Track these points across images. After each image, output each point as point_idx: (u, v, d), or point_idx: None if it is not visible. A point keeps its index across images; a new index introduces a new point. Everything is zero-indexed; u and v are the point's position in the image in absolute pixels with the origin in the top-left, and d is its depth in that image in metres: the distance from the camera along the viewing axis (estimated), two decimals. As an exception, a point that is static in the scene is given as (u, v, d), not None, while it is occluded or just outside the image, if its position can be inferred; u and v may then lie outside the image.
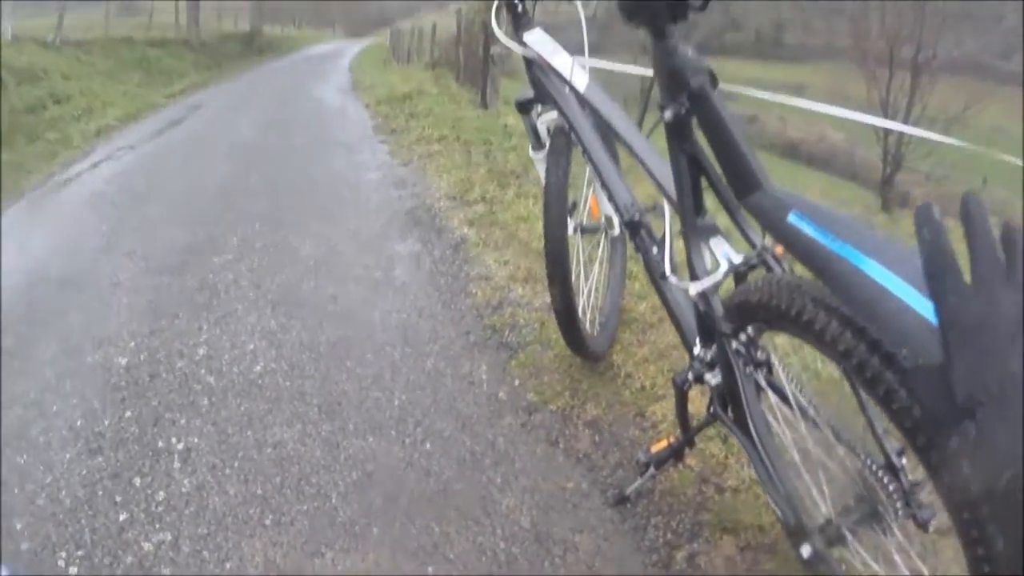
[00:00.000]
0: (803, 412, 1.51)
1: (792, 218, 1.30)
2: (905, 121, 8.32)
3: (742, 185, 1.53)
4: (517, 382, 2.96)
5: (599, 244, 2.97)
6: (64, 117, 11.75)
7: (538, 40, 2.41)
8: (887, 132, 8.44)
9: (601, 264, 2.98)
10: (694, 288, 1.75)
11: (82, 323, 3.79)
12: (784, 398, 1.56)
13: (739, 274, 1.69)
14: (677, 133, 1.69)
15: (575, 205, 2.76)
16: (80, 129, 10.92)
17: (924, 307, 0.96)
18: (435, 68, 17.06)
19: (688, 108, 1.62)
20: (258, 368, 3.15)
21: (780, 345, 1.75)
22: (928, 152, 8.74)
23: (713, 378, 1.81)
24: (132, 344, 3.46)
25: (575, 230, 2.74)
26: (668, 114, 1.66)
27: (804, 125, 42.04)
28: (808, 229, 1.25)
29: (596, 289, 2.97)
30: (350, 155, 7.67)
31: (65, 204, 6.71)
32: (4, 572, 1.76)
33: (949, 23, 8.88)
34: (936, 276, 0.90)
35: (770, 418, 1.66)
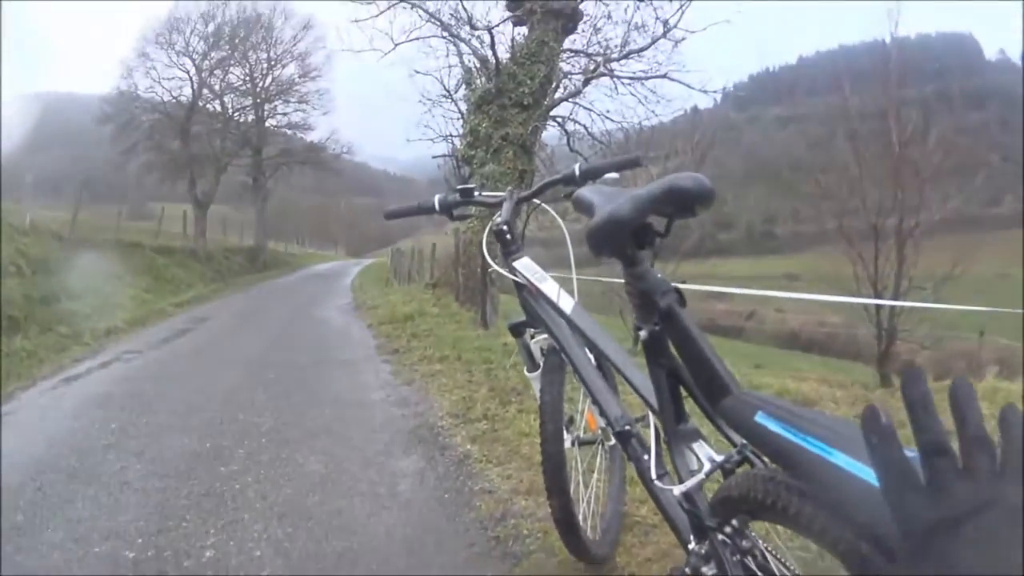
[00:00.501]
0: None
1: (759, 418, 1.39)
2: (895, 291, 8.47)
3: (713, 392, 1.69)
4: (523, 590, 2.97)
5: (597, 454, 3.05)
6: (76, 313, 11.82)
7: (526, 267, 2.56)
8: (877, 308, 8.61)
9: (600, 473, 3.05)
10: (678, 489, 1.84)
11: (90, 514, 3.80)
12: None
13: (726, 471, 1.76)
14: (653, 350, 1.86)
15: (572, 419, 2.88)
16: (91, 327, 11.02)
17: None
18: (435, 288, 17.64)
19: (660, 327, 1.80)
20: (265, 573, 3.14)
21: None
22: (920, 319, 8.91)
23: (709, 570, 1.83)
24: (140, 540, 3.46)
25: (573, 443, 2.85)
26: (643, 333, 1.85)
27: (802, 313, 42.59)
28: (774, 427, 1.34)
29: (596, 496, 3.03)
30: (354, 375, 7.86)
31: (76, 398, 6.76)
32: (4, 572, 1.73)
33: (931, 183, 9.20)
34: (891, 484, 0.84)
35: None
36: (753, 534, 1.69)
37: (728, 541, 1.70)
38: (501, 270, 2.66)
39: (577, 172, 2.59)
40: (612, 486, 3.26)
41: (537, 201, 2.97)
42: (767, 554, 1.66)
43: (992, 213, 71.54)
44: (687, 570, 1.88)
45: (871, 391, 7.53)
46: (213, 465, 4.67)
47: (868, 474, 1.07)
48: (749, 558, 1.68)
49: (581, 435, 2.91)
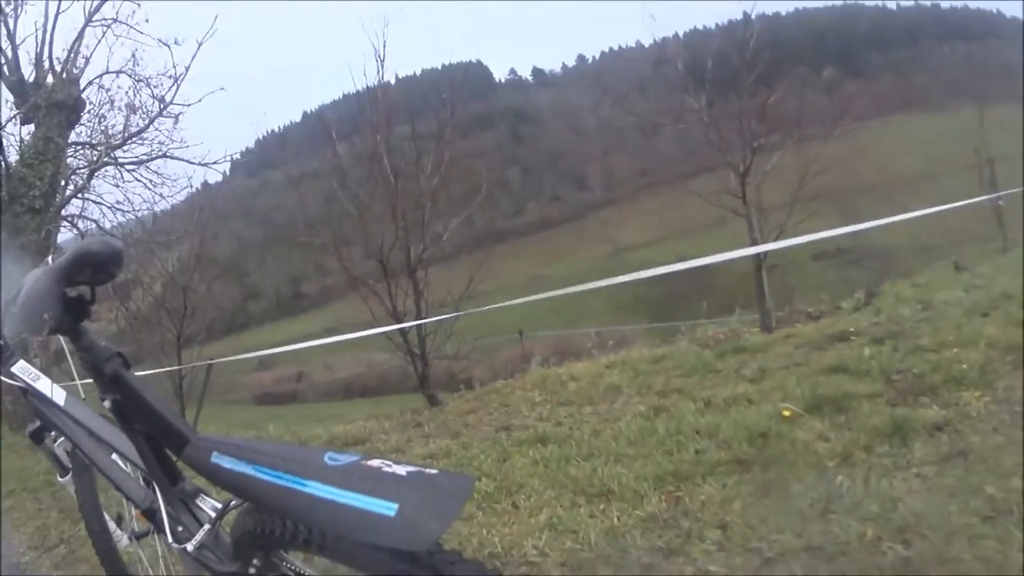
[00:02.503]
0: None
1: (214, 458, 1.52)
2: (418, 318, 8.87)
3: (174, 443, 1.73)
4: None
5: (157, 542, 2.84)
6: None
7: (22, 369, 2.44)
8: (404, 336, 8.94)
9: (168, 560, 2.86)
10: (190, 545, 1.82)
11: None
12: None
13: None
14: (122, 416, 1.85)
15: (121, 517, 2.73)
16: None
17: (375, 505, 1.21)
18: None
19: (117, 393, 1.79)
20: None
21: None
22: (448, 334, 9.44)
23: None
24: None
25: (130, 538, 2.69)
26: (108, 403, 1.83)
27: (351, 361, 43.75)
28: (228, 464, 1.48)
29: None
30: None
31: None
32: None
33: (435, 209, 9.70)
34: None
35: None
36: (285, 565, 1.72)
37: None
38: (3, 378, 2.46)
39: None
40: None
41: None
42: None
43: (516, 223, 78.67)
44: None
45: (420, 414, 7.81)
46: None
47: (314, 487, 1.31)
48: None
49: (136, 529, 2.70)
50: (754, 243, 14.41)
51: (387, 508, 1.20)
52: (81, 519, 5.18)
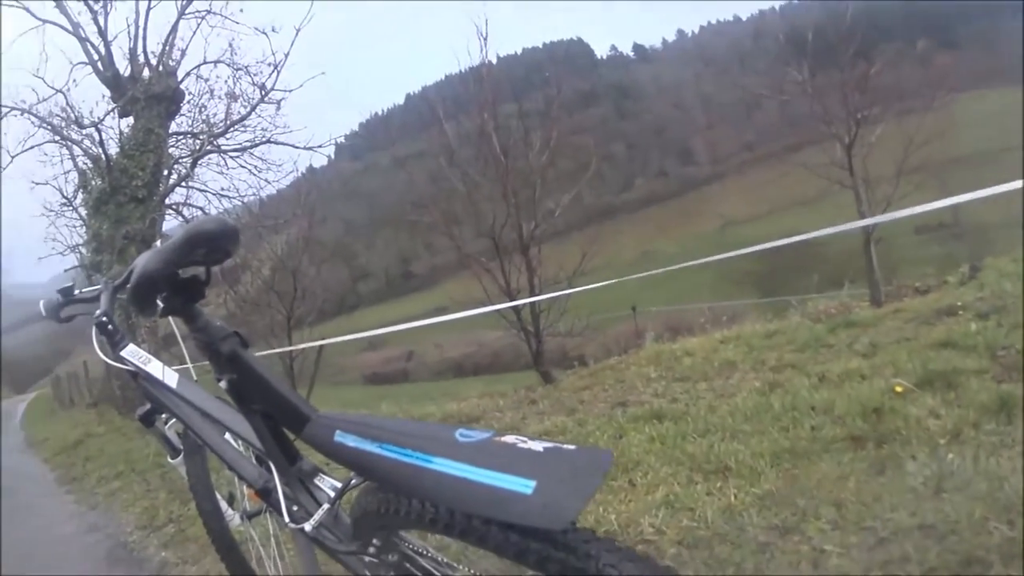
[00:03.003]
0: None
1: (338, 437, 1.50)
2: (531, 293, 8.85)
3: (294, 422, 1.73)
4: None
5: (268, 523, 2.88)
6: None
7: (132, 352, 2.42)
8: (518, 314, 8.90)
9: (280, 540, 2.90)
10: (308, 525, 1.81)
11: None
12: None
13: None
14: (239, 397, 1.85)
15: (233, 496, 2.76)
16: None
17: (511, 482, 1.19)
18: (96, 406, 17.43)
19: (234, 373, 1.79)
20: None
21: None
22: (561, 311, 9.35)
23: None
24: None
25: (242, 518, 2.69)
26: (224, 383, 1.82)
27: (461, 341, 44.12)
28: (352, 442, 1.47)
29: (290, 563, 2.89)
30: (41, 514, 7.45)
31: None
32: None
33: (545, 186, 9.63)
34: None
35: None
36: (406, 545, 1.71)
37: (377, 560, 1.72)
38: (111, 361, 2.43)
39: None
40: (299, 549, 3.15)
41: None
42: (421, 559, 1.69)
43: (625, 199, 78.51)
44: None
45: (534, 391, 7.83)
46: None
47: (446, 465, 1.29)
48: (411, 568, 1.70)
49: (248, 508, 2.73)
50: (862, 216, 14.09)
51: (523, 486, 1.18)
52: (190, 499, 5.40)
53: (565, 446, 1.29)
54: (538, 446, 1.28)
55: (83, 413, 18.15)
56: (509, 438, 1.34)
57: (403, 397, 14.62)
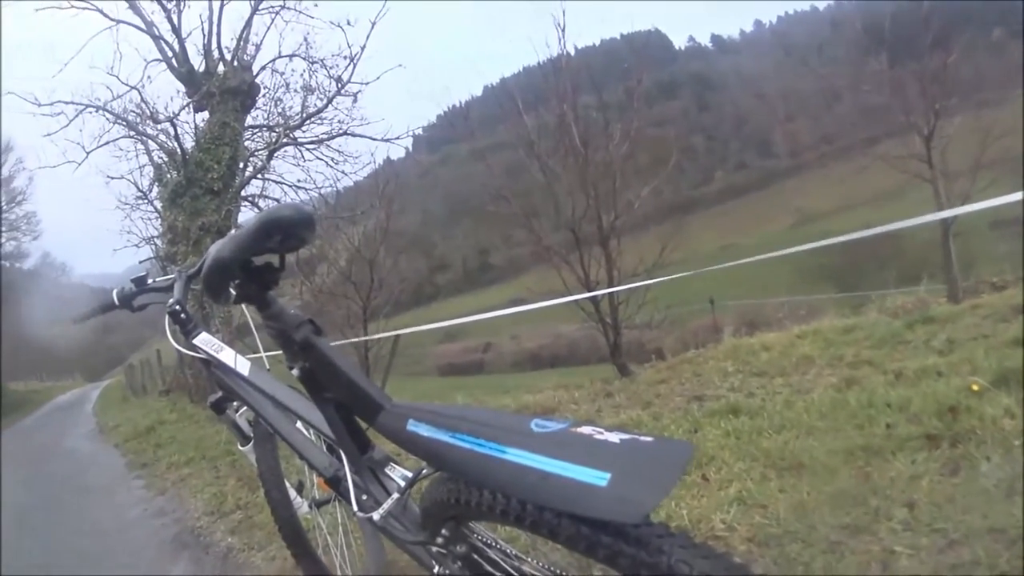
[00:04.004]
0: None
1: (411, 426, 1.51)
2: (609, 285, 8.82)
3: (367, 411, 1.73)
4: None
5: (337, 511, 3.00)
6: None
7: (205, 341, 2.48)
8: (596, 305, 8.89)
9: (347, 529, 3.00)
10: (377, 514, 1.84)
11: None
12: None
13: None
14: (311, 384, 1.87)
15: (302, 484, 2.84)
16: None
17: (585, 474, 1.17)
18: (168, 394, 18.14)
19: (310, 362, 1.80)
20: None
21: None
22: (640, 304, 9.30)
23: None
24: None
25: (310, 506, 2.78)
26: (296, 371, 1.85)
27: (536, 333, 44.01)
28: (426, 432, 1.47)
29: (356, 552, 3.00)
30: (110, 497, 7.66)
31: None
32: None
33: (626, 178, 9.53)
34: None
35: None
36: (475, 536, 1.72)
37: (445, 550, 1.73)
38: (185, 350, 2.55)
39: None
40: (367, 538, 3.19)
41: None
42: (489, 550, 1.69)
43: (704, 192, 77.76)
44: None
45: (610, 383, 7.84)
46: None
47: (521, 456, 1.28)
48: (479, 559, 1.71)
49: (317, 496, 2.82)
50: (940, 208, 13.81)
51: (598, 478, 1.16)
52: (259, 487, 5.56)
53: (643, 437, 1.28)
54: (615, 437, 1.27)
55: (155, 400, 18.78)
56: (585, 428, 1.32)
57: (478, 388, 14.72)
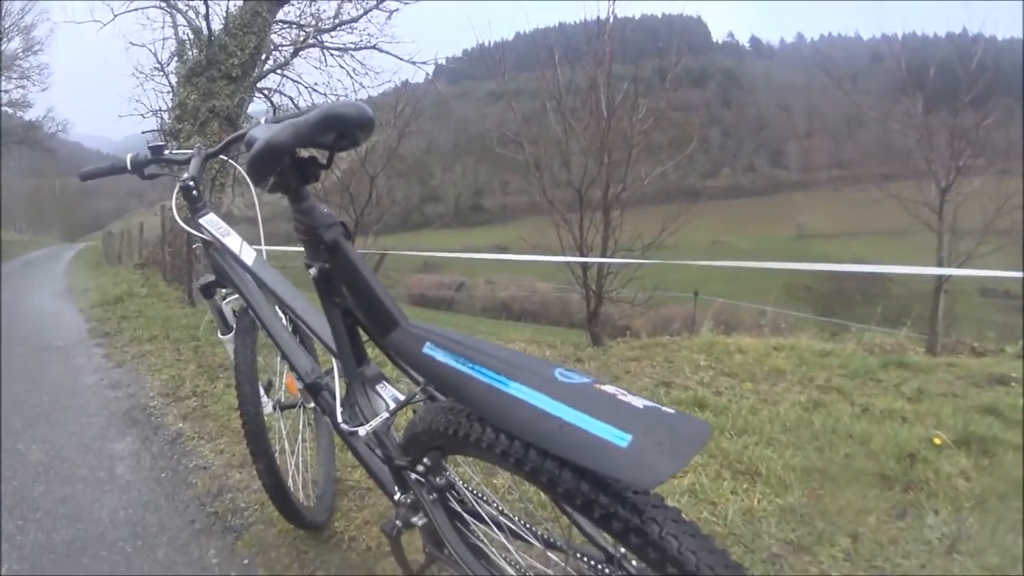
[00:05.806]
0: (499, 526, 1.65)
1: (427, 349, 1.48)
2: (603, 255, 8.79)
3: (380, 326, 1.70)
4: (246, 561, 2.96)
5: (299, 418, 3.03)
6: None
7: (211, 222, 2.47)
8: (584, 271, 8.90)
9: (305, 437, 3.04)
10: (363, 430, 1.82)
11: None
12: (479, 517, 1.70)
13: (414, 410, 1.78)
14: (325, 287, 1.83)
15: (271, 384, 2.82)
16: None
17: (607, 432, 1.17)
18: (144, 268, 18.06)
19: (330, 264, 1.77)
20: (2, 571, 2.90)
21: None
22: (628, 279, 9.30)
23: (419, 520, 1.83)
24: None
25: (274, 407, 2.78)
26: (314, 271, 1.80)
27: (513, 283, 44.10)
28: (442, 357, 1.44)
29: (307, 462, 3.04)
30: (68, 359, 7.62)
31: None
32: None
33: (642, 154, 9.51)
34: None
35: (477, 538, 1.75)
36: (450, 471, 1.73)
37: (423, 480, 1.74)
38: (186, 226, 2.53)
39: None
40: (321, 450, 3.29)
41: (224, 157, 2.82)
42: (465, 490, 1.71)
43: (709, 185, 77.99)
44: (397, 522, 1.87)
45: (582, 350, 7.84)
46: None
47: (541, 400, 1.26)
48: (449, 495, 1.74)
49: (282, 399, 2.83)
50: (940, 262, 13.88)
51: (619, 438, 1.15)
52: (218, 377, 5.50)
53: (665, 408, 1.25)
54: (639, 402, 1.25)
55: (128, 272, 18.64)
56: (609, 388, 1.30)
57: (448, 325, 14.70)
